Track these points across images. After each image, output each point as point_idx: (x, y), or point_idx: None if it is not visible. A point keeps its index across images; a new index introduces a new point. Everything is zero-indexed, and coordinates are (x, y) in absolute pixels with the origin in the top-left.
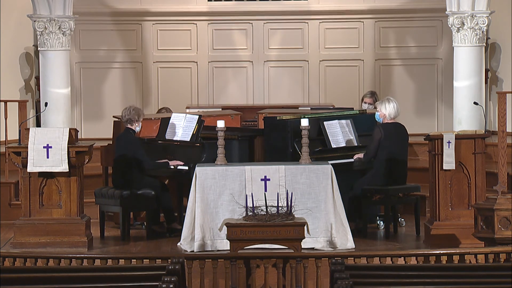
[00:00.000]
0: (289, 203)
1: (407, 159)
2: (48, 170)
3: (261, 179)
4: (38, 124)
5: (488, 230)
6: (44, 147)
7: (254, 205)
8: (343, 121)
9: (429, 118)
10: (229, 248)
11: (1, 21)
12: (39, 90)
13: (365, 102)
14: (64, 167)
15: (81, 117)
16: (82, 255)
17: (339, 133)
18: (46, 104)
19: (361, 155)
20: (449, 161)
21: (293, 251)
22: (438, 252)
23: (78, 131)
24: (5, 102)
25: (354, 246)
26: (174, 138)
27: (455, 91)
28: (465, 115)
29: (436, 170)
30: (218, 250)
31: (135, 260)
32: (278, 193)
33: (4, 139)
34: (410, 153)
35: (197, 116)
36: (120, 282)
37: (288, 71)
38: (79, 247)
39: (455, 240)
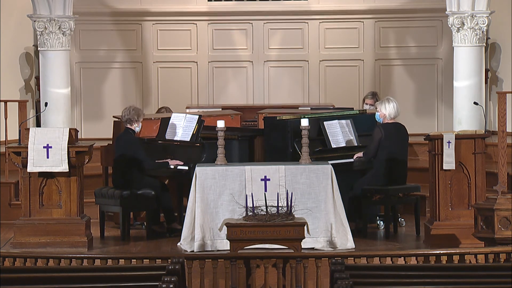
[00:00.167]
0: (289, 203)
1: (407, 159)
2: (48, 170)
3: (261, 179)
4: (38, 124)
5: (488, 230)
6: (44, 147)
7: (254, 205)
8: (343, 121)
9: (429, 118)
10: (229, 248)
11: (1, 21)
12: (39, 90)
13: (367, 103)
14: (64, 167)
15: (81, 117)
16: (82, 255)
17: (339, 133)
18: (46, 104)
19: (360, 154)
20: (449, 161)
21: (293, 251)
22: (438, 252)
23: (78, 131)
24: (5, 102)
25: (354, 246)
26: (174, 138)
27: (455, 91)
28: (465, 115)
29: (436, 170)
30: (218, 250)
31: (135, 260)
32: (278, 193)
33: (4, 139)
34: (410, 153)
35: (197, 116)
36: (120, 282)
37: (288, 71)
38: (79, 247)
39: (455, 240)
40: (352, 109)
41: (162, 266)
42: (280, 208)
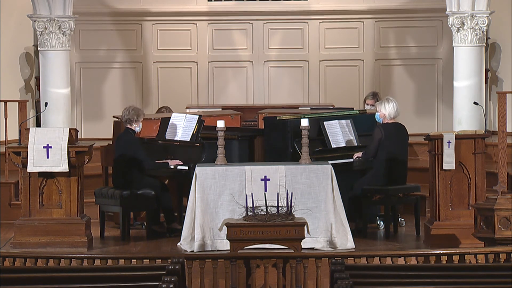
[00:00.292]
0: (289, 203)
1: (407, 159)
2: (48, 170)
3: (261, 179)
4: (38, 124)
5: (488, 230)
6: (44, 147)
7: (254, 205)
8: (343, 121)
9: (429, 118)
10: (229, 248)
11: (1, 21)
12: (39, 90)
13: (367, 104)
14: (64, 167)
15: (81, 117)
16: (82, 255)
17: (339, 133)
18: (46, 104)
19: (359, 154)
20: (449, 161)
21: (293, 251)
22: (438, 252)
23: (78, 131)
24: (5, 102)
25: (354, 246)
26: (174, 138)
27: (455, 91)
28: (465, 115)
29: (436, 170)
30: (218, 250)
31: (135, 260)
32: (278, 193)
33: (4, 139)
34: (410, 153)
35: (197, 116)
36: (120, 282)
37: (288, 71)
38: (79, 247)
39: (455, 240)
40: (352, 109)
41: (162, 266)
42: (280, 208)
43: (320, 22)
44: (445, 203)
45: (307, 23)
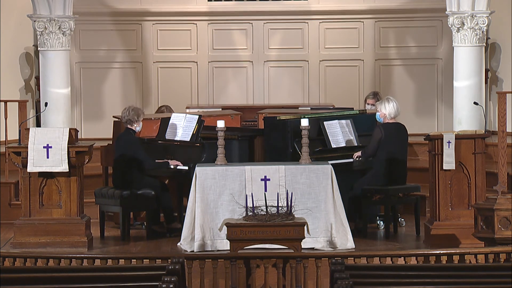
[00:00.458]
0: (289, 203)
1: (407, 159)
2: (48, 170)
3: (261, 179)
4: (38, 124)
5: (488, 230)
6: (44, 147)
7: (254, 205)
8: (343, 121)
9: (429, 118)
10: (229, 248)
11: (1, 21)
12: (39, 90)
13: (368, 103)
14: (64, 167)
15: (81, 117)
16: (82, 255)
17: (339, 133)
18: (46, 104)
19: (359, 154)
20: (449, 161)
21: (293, 251)
22: (438, 252)
23: (78, 131)
24: (5, 102)
25: (354, 246)
26: (174, 138)
27: (455, 91)
28: (465, 115)
29: (436, 170)
30: (218, 250)
31: (135, 260)
32: (278, 193)
33: (4, 139)
34: (410, 153)
35: (197, 116)
36: (120, 282)
37: (288, 71)
38: (79, 247)
39: (455, 240)
40: (352, 109)
41: (162, 266)
42: (280, 208)
43: (320, 22)
44: (445, 203)
45: (307, 23)
